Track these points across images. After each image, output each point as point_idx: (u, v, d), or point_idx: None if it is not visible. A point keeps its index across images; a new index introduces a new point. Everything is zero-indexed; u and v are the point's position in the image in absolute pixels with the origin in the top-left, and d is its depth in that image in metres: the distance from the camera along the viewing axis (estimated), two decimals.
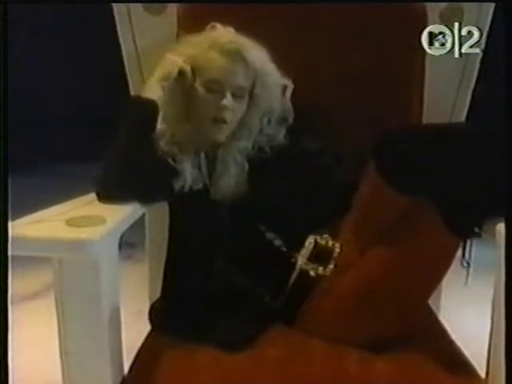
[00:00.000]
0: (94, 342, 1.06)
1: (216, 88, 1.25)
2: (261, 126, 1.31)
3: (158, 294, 1.33)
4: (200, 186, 1.26)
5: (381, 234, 1.15)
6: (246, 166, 1.30)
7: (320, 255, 1.23)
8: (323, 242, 1.24)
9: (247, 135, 1.30)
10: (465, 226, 1.10)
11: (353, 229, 1.22)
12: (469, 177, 1.06)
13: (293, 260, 1.24)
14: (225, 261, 1.25)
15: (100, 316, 1.05)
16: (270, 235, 1.27)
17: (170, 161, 1.24)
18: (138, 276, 1.65)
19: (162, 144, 1.25)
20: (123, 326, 1.16)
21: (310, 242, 1.25)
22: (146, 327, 1.28)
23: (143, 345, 1.22)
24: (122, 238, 1.12)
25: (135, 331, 1.23)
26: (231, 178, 1.28)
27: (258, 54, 1.28)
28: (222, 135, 1.27)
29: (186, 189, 1.24)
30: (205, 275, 1.25)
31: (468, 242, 1.13)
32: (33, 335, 1.96)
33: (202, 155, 1.29)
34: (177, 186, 1.23)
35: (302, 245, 1.24)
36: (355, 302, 1.17)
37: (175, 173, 1.24)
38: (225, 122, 1.26)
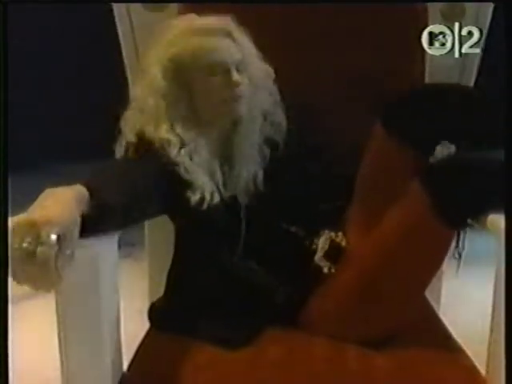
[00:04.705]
0: (93, 340, 1.06)
1: (219, 69, 1.20)
2: (262, 111, 1.30)
3: (157, 293, 1.32)
4: (217, 198, 1.19)
5: (379, 223, 1.17)
6: (267, 150, 1.29)
7: (332, 253, 1.24)
8: (338, 240, 1.26)
9: (250, 118, 1.27)
10: (456, 217, 1.11)
11: (356, 218, 1.25)
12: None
13: (313, 247, 1.25)
14: (236, 256, 1.23)
15: (99, 314, 1.06)
16: (286, 226, 1.27)
17: (182, 171, 1.17)
18: (137, 274, 1.65)
19: (173, 153, 1.17)
20: (122, 324, 1.16)
21: (326, 238, 1.26)
22: (145, 325, 1.28)
23: (142, 342, 1.22)
24: (120, 236, 1.12)
25: (134, 329, 1.23)
26: (251, 167, 1.26)
27: (240, 32, 1.25)
28: (242, 108, 1.23)
29: (205, 204, 1.16)
30: (212, 273, 1.24)
31: (461, 234, 1.14)
32: (33, 334, 1.96)
33: (216, 160, 1.24)
34: (193, 200, 1.15)
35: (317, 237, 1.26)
36: (353, 298, 1.17)
37: (188, 186, 1.17)
38: (240, 97, 1.22)
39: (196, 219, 1.20)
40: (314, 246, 1.26)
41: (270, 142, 1.31)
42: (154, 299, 1.32)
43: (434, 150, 1.19)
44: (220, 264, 1.23)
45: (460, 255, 1.15)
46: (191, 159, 1.19)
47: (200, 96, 1.23)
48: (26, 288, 0.83)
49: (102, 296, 1.05)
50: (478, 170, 1.08)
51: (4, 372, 0.93)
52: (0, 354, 0.93)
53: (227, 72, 1.21)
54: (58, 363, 1.08)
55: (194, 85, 1.23)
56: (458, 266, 1.17)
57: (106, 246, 1.05)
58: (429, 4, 1.48)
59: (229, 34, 1.23)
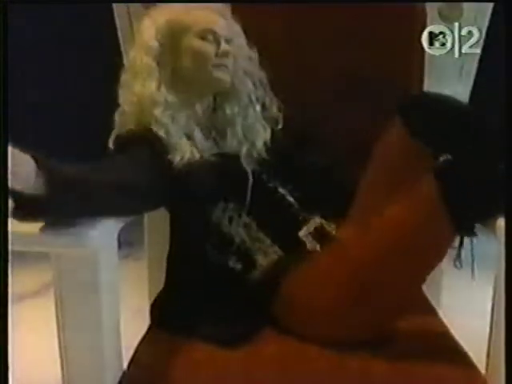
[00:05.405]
0: (93, 339, 1.07)
1: (210, 37, 1.27)
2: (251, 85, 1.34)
3: (157, 292, 1.33)
4: (197, 156, 1.23)
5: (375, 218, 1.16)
6: (269, 129, 1.33)
7: (319, 235, 1.25)
8: (327, 227, 1.27)
9: (235, 90, 1.32)
10: (466, 221, 1.09)
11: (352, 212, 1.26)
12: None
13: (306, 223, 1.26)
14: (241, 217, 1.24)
15: (99, 313, 1.06)
16: (283, 192, 1.28)
17: (163, 133, 1.21)
18: (136, 274, 1.65)
19: (158, 113, 1.23)
20: (122, 323, 1.16)
21: (315, 222, 1.26)
22: (144, 325, 1.28)
23: (142, 341, 1.23)
24: (119, 236, 1.13)
25: (133, 329, 1.23)
26: (250, 136, 1.31)
27: (233, 19, 1.33)
28: (227, 77, 1.29)
29: (185, 160, 1.20)
30: (204, 268, 1.24)
31: (463, 243, 1.13)
32: (33, 334, 1.96)
33: (195, 127, 1.28)
34: (175, 160, 1.20)
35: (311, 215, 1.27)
36: (343, 294, 1.15)
37: (170, 150, 1.21)
38: (226, 67, 1.28)
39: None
40: (306, 224, 1.26)
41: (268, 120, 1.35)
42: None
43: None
44: (204, 254, 1.24)
45: (461, 265, 1.15)
46: (172, 122, 1.24)
47: (189, 61, 1.28)
48: (25, 287, 0.83)
49: (102, 295, 1.05)
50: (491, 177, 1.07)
51: (4, 373, 0.93)
52: (0, 354, 0.93)
53: (217, 42, 1.27)
54: (58, 362, 1.09)
55: (185, 49, 1.28)
56: (472, 273, 1.16)
57: (105, 246, 1.06)
58: (427, 4, 1.48)
59: (222, 15, 1.31)
